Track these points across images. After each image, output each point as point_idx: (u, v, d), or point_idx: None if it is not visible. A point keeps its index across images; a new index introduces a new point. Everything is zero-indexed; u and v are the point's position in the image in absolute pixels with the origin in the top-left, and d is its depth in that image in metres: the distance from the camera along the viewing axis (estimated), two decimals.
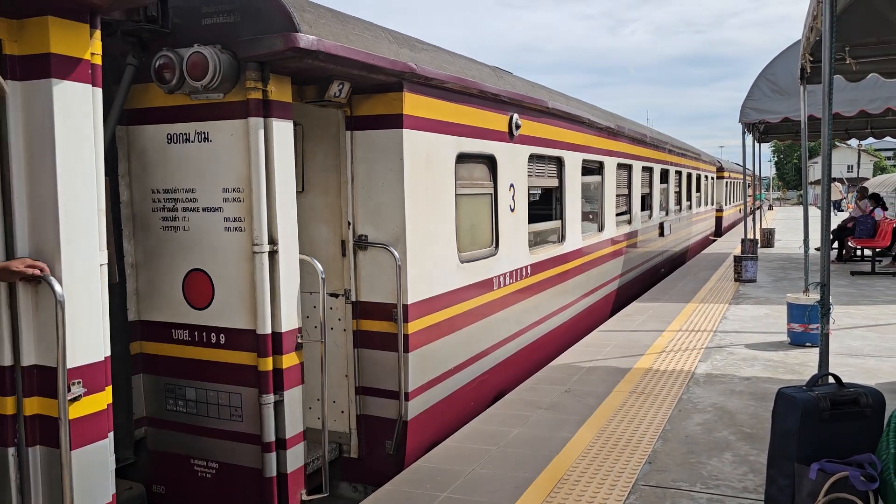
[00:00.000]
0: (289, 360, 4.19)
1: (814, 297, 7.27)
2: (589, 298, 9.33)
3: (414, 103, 4.97)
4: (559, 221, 8.19)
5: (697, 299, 10.76)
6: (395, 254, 4.83)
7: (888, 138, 16.96)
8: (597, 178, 9.68)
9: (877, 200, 15.94)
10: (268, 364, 4.11)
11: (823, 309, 4.18)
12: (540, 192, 8.60)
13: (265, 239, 4.06)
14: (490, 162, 6.31)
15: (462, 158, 5.75)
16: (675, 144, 16.01)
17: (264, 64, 3.99)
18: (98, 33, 3.06)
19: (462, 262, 5.74)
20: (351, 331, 5.01)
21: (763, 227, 20.55)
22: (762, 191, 56.14)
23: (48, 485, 3.00)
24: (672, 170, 15.36)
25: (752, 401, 5.74)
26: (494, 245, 6.40)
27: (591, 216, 9.66)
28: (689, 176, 18.23)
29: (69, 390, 2.86)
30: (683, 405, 5.66)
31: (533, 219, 7.40)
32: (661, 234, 14.28)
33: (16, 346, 2.95)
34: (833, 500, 3.07)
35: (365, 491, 4.95)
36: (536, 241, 7.56)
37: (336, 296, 5.05)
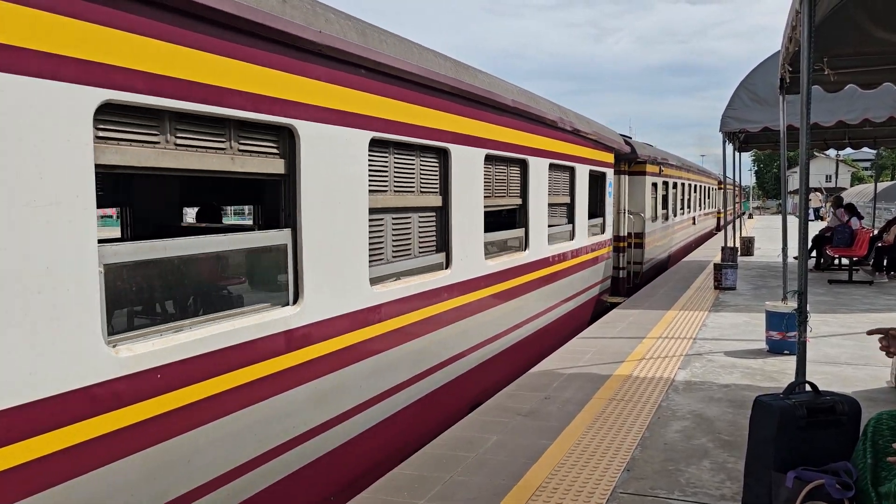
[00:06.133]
0: (623, 244, 14.51)
1: (792, 305, 7.33)
2: (680, 244, 20.34)
3: (649, 168, 15.21)
4: (666, 209, 18.48)
5: (678, 307, 10.84)
6: (643, 216, 15.00)
7: (865, 149, 17.20)
8: (674, 190, 19.89)
9: (851, 210, 16.06)
10: (621, 244, 14.41)
11: (801, 317, 4.20)
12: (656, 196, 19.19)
13: (622, 209, 14.39)
14: (654, 186, 16.42)
15: (651, 185, 15.83)
16: (699, 168, 27.04)
17: (627, 160, 14.27)
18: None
19: (652, 221, 15.97)
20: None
21: (743, 235, 20.80)
22: (746, 199, 56.57)
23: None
24: (697, 184, 25.80)
25: (731, 408, 5.75)
26: (653, 217, 16.49)
27: (673, 210, 19.85)
28: (705, 188, 28.80)
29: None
30: (662, 412, 5.66)
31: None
32: (694, 223, 24.97)
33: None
34: None
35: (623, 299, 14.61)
36: (660, 218, 17.71)
37: None
